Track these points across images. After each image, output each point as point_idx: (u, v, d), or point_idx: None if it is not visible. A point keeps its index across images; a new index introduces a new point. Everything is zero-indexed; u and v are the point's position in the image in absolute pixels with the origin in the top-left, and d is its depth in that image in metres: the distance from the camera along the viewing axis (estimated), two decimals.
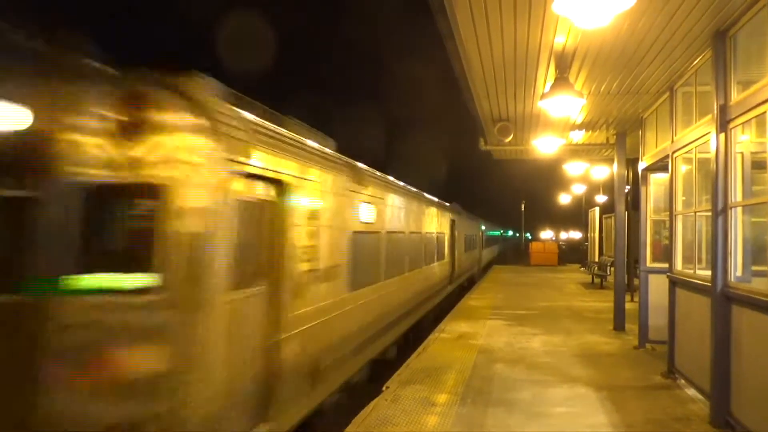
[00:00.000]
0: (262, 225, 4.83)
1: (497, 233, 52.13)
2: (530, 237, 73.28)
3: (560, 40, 6.44)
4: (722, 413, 5.78)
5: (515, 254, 49.09)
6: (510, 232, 77.58)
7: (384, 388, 7.26)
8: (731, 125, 5.78)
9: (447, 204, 18.41)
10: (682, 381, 7.42)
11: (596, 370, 8.32)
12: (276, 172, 4.96)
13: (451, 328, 11.88)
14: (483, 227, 33.20)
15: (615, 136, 12.00)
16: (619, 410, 6.39)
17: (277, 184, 5.04)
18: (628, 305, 12.28)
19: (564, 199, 41.27)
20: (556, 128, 11.34)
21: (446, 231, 17.02)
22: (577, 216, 48.00)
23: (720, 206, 5.88)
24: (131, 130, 3.63)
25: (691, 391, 7.02)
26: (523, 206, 55.60)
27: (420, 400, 6.72)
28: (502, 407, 6.47)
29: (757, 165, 6.34)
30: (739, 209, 5.86)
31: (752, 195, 6.17)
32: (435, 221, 14.86)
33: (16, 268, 3.59)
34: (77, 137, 3.62)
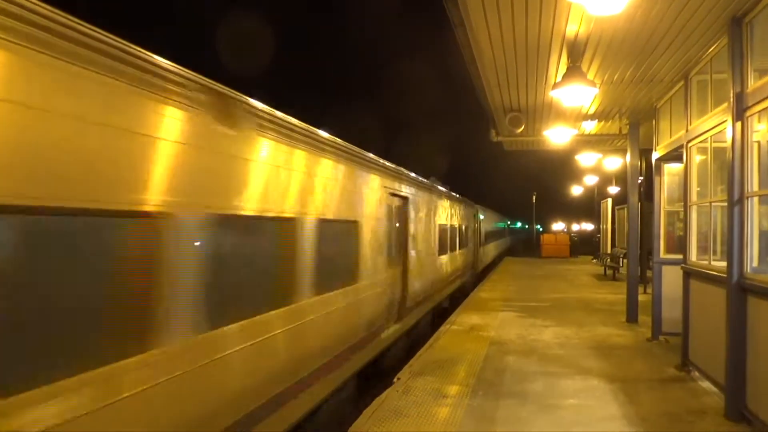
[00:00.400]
0: None
1: (503, 225, 43.56)
2: (541, 229, 72.95)
3: (573, 28, 6.34)
4: (737, 406, 5.71)
5: (526, 247, 48.96)
6: (519, 224, 75.97)
7: (395, 380, 7.26)
8: (748, 113, 5.67)
9: (387, 165, 9.13)
10: (697, 373, 7.35)
11: (609, 362, 8.25)
12: None
13: (462, 320, 11.85)
14: (482, 216, 25.17)
15: (628, 126, 11.85)
16: (633, 403, 6.34)
17: None
18: (640, 297, 12.19)
19: (576, 190, 41.00)
20: (568, 118, 11.23)
21: (382, 218, 8.55)
22: (589, 207, 47.71)
23: (736, 196, 5.78)
24: None
25: (706, 384, 6.95)
26: (534, 198, 55.34)
27: (431, 392, 6.71)
28: (514, 399, 6.44)
29: None
30: (756, 199, 5.75)
31: None
32: (349, 197, 7.16)
33: None
34: None
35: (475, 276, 21.82)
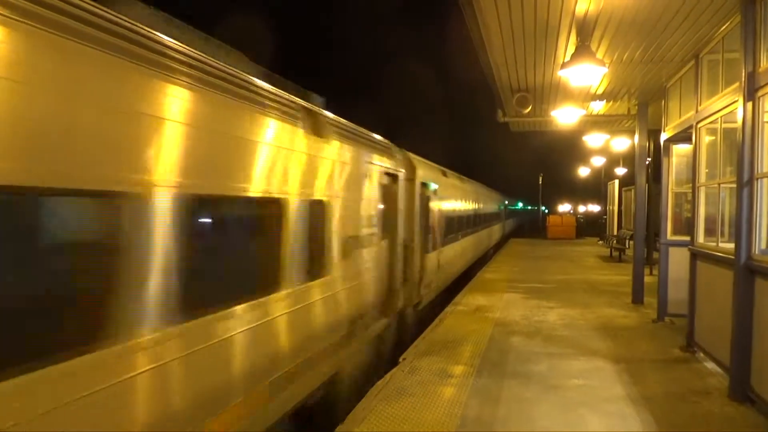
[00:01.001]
0: None
1: (497, 206, 32.81)
2: (547, 210, 72.66)
3: (582, 7, 6.24)
4: (742, 387, 5.73)
5: (532, 228, 48.90)
6: (520, 204, 73.60)
7: (401, 360, 7.31)
8: (759, 93, 5.59)
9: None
10: (702, 354, 7.36)
11: (614, 343, 8.28)
12: None
13: (467, 301, 11.89)
14: (434, 186, 11.67)
15: (637, 107, 11.73)
16: (637, 383, 6.37)
17: None
18: (646, 278, 12.17)
19: (583, 171, 40.77)
20: (577, 99, 11.12)
21: None
22: (596, 189, 47.48)
23: (746, 177, 5.73)
24: None
25: (711, 365, 6.96)
26: (540, 179, 55.08)
27: (436, 372, 6.76)
28: (518, 379, 6.48)
29: None
30: (766, 180, 5.70)
31: None
32: None
33: None
34: None
35: (411, 318, 9.80)
